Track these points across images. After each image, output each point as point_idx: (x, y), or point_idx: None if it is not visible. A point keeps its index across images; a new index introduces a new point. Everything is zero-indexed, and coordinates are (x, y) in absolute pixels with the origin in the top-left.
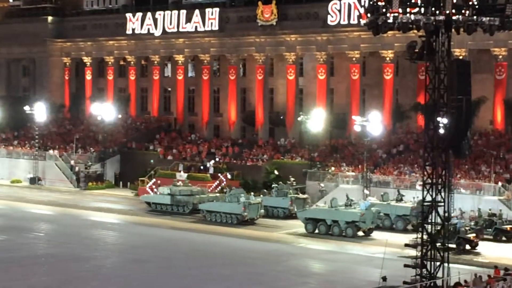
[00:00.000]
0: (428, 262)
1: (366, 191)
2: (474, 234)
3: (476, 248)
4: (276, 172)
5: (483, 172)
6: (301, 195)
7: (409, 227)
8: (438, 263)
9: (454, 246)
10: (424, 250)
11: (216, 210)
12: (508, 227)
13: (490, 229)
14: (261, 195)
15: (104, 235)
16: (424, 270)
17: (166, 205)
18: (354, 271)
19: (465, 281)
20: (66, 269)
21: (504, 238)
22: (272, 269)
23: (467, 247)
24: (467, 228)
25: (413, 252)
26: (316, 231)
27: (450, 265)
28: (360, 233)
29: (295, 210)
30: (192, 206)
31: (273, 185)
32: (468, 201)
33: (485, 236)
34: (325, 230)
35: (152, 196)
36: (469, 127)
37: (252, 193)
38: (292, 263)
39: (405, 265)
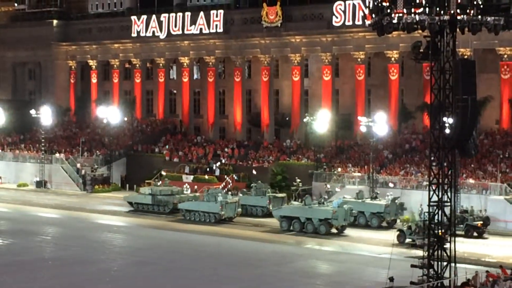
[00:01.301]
0: (435, 262)
1: (337, 189)
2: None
3: (446, 244)
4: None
5: (490, 171)
6: (279, 194)
7: (384, 224)
8: (445, 263)
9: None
10: (431, 251)
11: (194, 209)
12: (479, 223)
13: (461, 225)
14: (240, 194)
15: (111, 238)
16: (431, 270)
17: (147, 205)
18: (361, 272)
19: (468, 280)
20: (73, 272)
21: (475, 234)
22: (278, 270)
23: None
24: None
25: (420, 253)
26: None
27: (457, 265)
28: (334, 230)
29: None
30: (173, 205)
31: (252, 184)
32: (475, 201)
33: (457, 232)
34: (299, 227)
35: (134, 196)
36: (474, 127)
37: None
38: (298, 264)
39: (412, 265)
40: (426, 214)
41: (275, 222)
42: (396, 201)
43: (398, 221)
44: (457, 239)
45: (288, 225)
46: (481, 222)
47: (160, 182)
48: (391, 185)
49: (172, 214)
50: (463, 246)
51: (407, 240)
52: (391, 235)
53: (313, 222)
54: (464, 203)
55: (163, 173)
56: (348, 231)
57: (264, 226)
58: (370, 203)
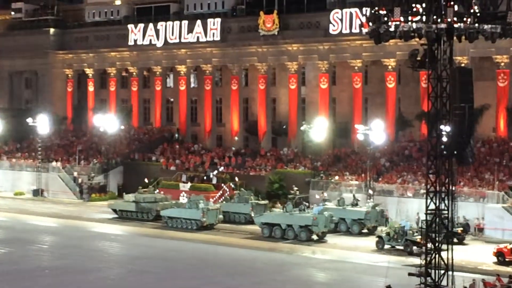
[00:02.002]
0: (433, 271)
1: (324, 194)
2: (420, 236)
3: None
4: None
5: (487, 179)
6: (261, 201)
7: (365, 230)
8: (442, 271)
9: (401, 247)
10: (428, 259)
11: (176, 216)
12: (459, 229)
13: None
14: (224, 201)
15: (108, 247)
16: (428, 278)
17: (131, 212)
18: (358, 280)
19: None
20: (70, 281)
21: (455, 240)
22: (275, 279)
23: (414, 248)
24: (414, 230)
25: (417, 261)
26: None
27: (455, 273)
28: (315, 237)
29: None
30: (156, 212)
31: (235, 192)
32: (472, 209)
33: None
34: (280, 234)
35: (118, 203)
36: (472, 135)
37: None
38: (295, 272)
39: (410, 274)
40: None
41: (257, 228)
42: (377, 208)
43: (379, 227)
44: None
45: (270, 231)
46: (461, 229)
47: (157, 190)
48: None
49: (156, 221)
50: (460, 254)
51: (386, 246)
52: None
53: (293, 228)
54: (462, 211)
55: (146, 180)
56: (341, 239)
57: (247, 233)
58: (350, 210)
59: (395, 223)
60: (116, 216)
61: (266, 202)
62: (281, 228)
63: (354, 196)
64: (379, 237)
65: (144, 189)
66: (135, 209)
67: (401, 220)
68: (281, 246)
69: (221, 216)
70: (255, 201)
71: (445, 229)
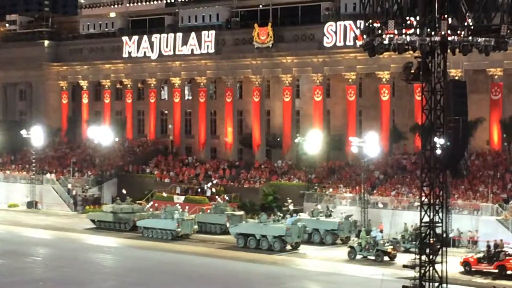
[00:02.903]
0: (427, 283)
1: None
2: (391, 247)
3: (394, 259)
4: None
5: (481, 192)
6: (237, 212)
7: (338, 241)
8: (436, 284)
9: (373, 257)
10: (422, 271)
11: (152, 227)
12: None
13: (415, 242)
14: (200, 212)
15: (102, 259)
16: None
17: (109, 223)
18: None
19: None
20: None
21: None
22: None
23: (386, 258)
24: (385, 241)
25: (411, 273)
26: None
27: (449, 285)
28: (289, 247)
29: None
30: (133, 223)
31: (212, 203)
32: (466, 221)
33: (411, 249)
34: (255, 244)
35: (96, 214)
36: (466, 148)
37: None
38: (290, 285)
39: (404, 286)
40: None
41: (231, 239)
42: (350, 218)
43: (351, 238)
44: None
45: (244, 242)
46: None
47: (152, 202)
48: (380, 205)
49: (133, 231)
50: (454, 266)
51: (358, 257)
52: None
53: (267, 239)
54: (456, 224)
55: (124, 191)
56: (304, 249)
57: (224, 243)
58: (324, 220)
59: (364, 233)
60: (94, 226)
61: (242, 213)
62: (256, 238)
63: (327, 207)
64: (351, 247)
65: (139, 202)
66: (113, 219)
67: (373, 231)
68: (274, 258)
69: (196, 227)
70: (230, 212)
71: (439, 241)
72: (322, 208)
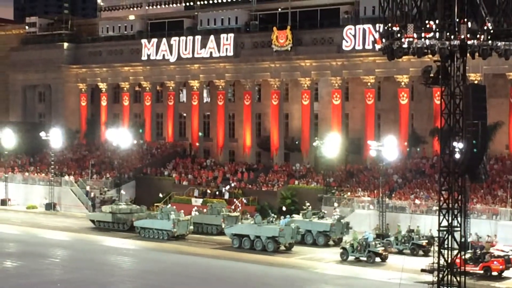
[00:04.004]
0: None
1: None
2: (383, 248)
3: (386, 260)
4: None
5: (500, 196)
6: (233, 213)
7: (331, 242)
8: None
9: (365, 258)
10: (440, 276)
11: (149, 227)
12: (424, 242)
13: (408, 244)
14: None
15: (119, 261)
16: None
17: (108, 223)
18: None
19: None
20: None
21: (421, 252)
22: None
23: (377, 259)
24: (377, 242)
25: (429, 278)
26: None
27: None
28: (283, 248)
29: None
30: (131, 223)
31: (208, 204)
32: (485, 226)
33: (404, 251)
34: (249, 245)
35: (96, 214)
36: (485, 152)
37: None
38: None
39: None
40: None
41: (227, 239)
42: (342, 220)
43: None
44: (398, 256)
45: (239, 242)
46: (427, 241)
47: (169, 205)
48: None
49: (131, 231)
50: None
51: (350, 258)
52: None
53: (261, 239)
54: (474, 228)
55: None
56: (299, 249)
57: (220, 244)
58: (316, 222)
59: (356, 235)
60: (94, 226)
61: (237, 214)
62: (250, 239)
63: (320, 209)
64: (344, 248)
65: (157, 204)
66: (112, 219)
67: (364, 232)
68: (291, 261)
69: (191, 227)
70: (226, 213)
71: (458, 246)
72: (341, 212)
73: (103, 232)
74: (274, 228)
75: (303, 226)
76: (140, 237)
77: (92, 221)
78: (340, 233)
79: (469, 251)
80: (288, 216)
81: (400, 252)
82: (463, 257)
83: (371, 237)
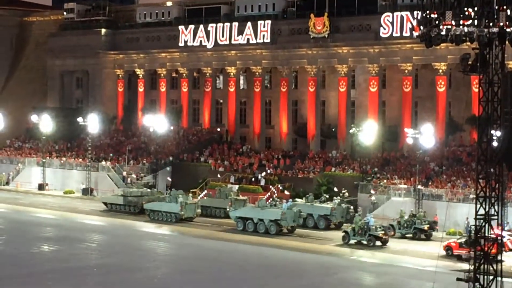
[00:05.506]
0: (481, 276)
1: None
2: (383, 232)
3: (386, 244)
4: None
5: None
6: (241, 197)
7: (332, 226)
8: (491, 277)
9: (365, 242)
10: (477, 264)
11: (157, 209)
12: (425, 226)
13: (410, 229)
14: (205, 197)
15: (155, 246)
16: (477, 284)
17: (119, 205)
18: (405, 285)
19: None
20: (118, 280)
21: (423, 236)
22: (324, 281)
23: (378, 243)
24: (377, 226)
25: (465, 266)
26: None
27: (504, 279)
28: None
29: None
30: (141, 206)
31: (216, 187)
32: None
33: (407, 235)
34: (253, 227)
35: (108, 197)
36: None
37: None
38: (343, 275)
39: (458, 279)
40: (473, 227)
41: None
42: (343, 205)
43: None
44: (398, 240)
45: (243, 225)
46: (428, 226)
47: (206, 191)
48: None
49: (142, 214)
50: (510, 260)
51: (352, 241)
52: (436, 248)
53: (264, 222)
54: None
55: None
56: (302, 232)
57: (227, 226)
58: (317, 206)
59: (357, 219)
60: (106, 208)
61: (245, 198)
62: (253, 222)
63: (322, 193)
64: (345, 232)
65: (193, 190)
66: (123, 202)
67: (366, 216)
68: (327, 248)
69: (199, 210)
70: (234, 197)
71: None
72: (376, 199)
73: (138, 217)
74: (276, 211)
75: (305, 210)
76: (150, 219)
77: (105, 203)
78: (341, 217)
79: (465, 234)
80: (290, 200)
81: (403, 237)
82: (458, 241)
83: (372, 221)
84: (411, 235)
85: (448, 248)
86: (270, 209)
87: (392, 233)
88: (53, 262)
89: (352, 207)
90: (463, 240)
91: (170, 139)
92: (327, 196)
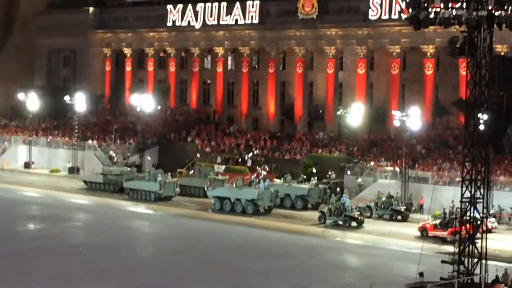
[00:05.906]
0: (466, 259)
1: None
2: (358, 212)
3: (362, 225)
4: (314, 169)
5: None
6: (220, 177)
7: (309, 206)
8: (475, 260)
9: (341, 222)
10: (461, 247)
11: (137, 188)
12: (402, 208)
13: (387, 210)
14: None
15: (141, 226)
16: (461, 266)
17: (99, 184)
18: (391, 266)
19: (498, 277)
20: (103, 259)
21: (399, 218)
22: (308, 263)
23: (353, 224)
24: (353, 207)
25: (450, 248)
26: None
27: (488, 262)
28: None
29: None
30: (121, 184)
31: (196, 166)
32: (507, 198)
33: (384, 216)
34: (229, 207)
35: (88, 175)
36: (509, 124)
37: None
38: (328, 257)
39: (443, 261)
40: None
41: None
42: (320, 185)
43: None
44: (373, 221)
45: (220, 204)
46: (405, 207)
47: (192, 171)
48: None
49: (121, 193)
50: (494, 243)
51: (328, 221)
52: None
53: (241, 202)
54: (497, 200)
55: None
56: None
57: (204, 205)
58: (295, 186)
59: (333, 199)
60: (86, 187)
61: (225, 178)
62: (230, 201)
63: (300, 173)
64: (322, 212)
65: (180, 170)
66: (103, 181)
67: (343, 197)
68: (311, 229)
69: (178, 189)
70: (213, 177)
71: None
72: (363, 181)
73: (118, 196)
74: (253, 191)
75: (282, 190)
76: (130, 198)
77: (85, 182)
78: (318, 198)
79: (441, 216)
80: (267, 180)
81: (380, 217)
82: (432, 222)
83: (348, 201)
84: (388, 216)
85: (423, 230)
86: (247, 189)
87: (369, 214)
88: (39, 240)
89: (328, 188)
90: (437, 221)
91: (157, 118)
92: (305, 177)
